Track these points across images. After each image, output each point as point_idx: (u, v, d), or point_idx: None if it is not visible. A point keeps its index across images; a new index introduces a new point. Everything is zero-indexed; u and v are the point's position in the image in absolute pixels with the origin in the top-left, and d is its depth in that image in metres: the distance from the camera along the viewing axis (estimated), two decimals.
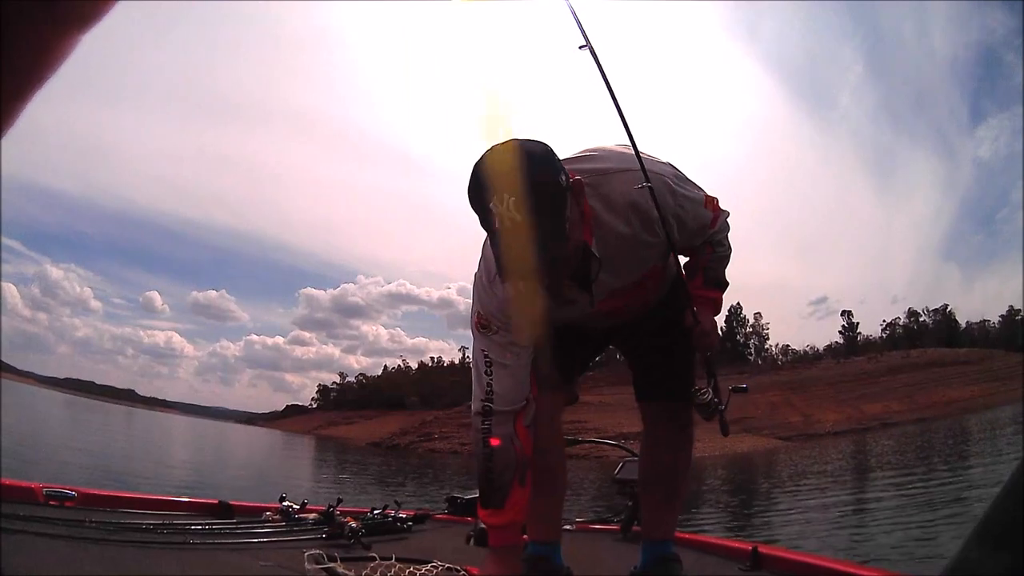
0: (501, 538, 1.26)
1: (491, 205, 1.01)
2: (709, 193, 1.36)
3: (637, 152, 1.19)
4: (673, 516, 1.53)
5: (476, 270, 1.31)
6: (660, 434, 1.52)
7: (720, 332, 1.48)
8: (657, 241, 1.25)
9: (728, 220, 1.39)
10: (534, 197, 1.00)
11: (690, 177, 1.33)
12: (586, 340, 1.54)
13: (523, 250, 1.02)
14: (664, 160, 1.29)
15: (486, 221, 1.04)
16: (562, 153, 1.19)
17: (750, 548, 1.76)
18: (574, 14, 1.06)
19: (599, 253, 1.19)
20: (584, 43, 1.07)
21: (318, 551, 1.33)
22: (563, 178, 1.07)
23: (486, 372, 1.25)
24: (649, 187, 1.17)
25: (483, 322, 1.26)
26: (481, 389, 1.25)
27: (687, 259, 1.45)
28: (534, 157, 1.05)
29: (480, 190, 1.03)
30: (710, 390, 1.42)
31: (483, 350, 1.26)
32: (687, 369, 1.49)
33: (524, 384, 1.26)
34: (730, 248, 1.42)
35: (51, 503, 1.63)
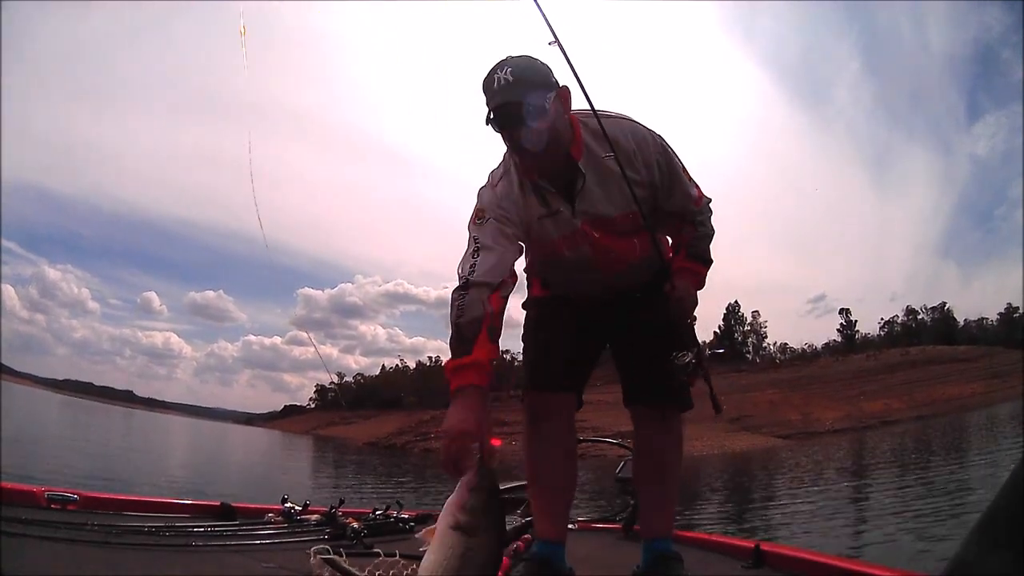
0: (464, 378, 1.18)
1: (494, 73, 1.31)
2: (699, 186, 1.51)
3: (596, 114, 1.39)
4: (670, 514, 1.56)
5: (482, 184, 1.48)
6: (650, 436, 1.57)
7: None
8: (639, 179, 1.40)
9: (711, 206, 1.52)
10: (524, 71, 1.31)
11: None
12: (590, 344, 1.59)
13: (508, 98, 1.29)
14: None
15: (488, 87, 1.31)
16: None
17: (752, 546, 1.76)
18: (541, 11, 1.35)
19: (585, 173, 1.38)
20: (553, 39, 1.35)
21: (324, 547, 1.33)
22: (553, 79, 1.35)
23: (473, 255, 1.35)
24: (613, 156, 1.38)
25: (479, 214, 1.41)
26: (465, 269, 1.33)
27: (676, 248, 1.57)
28: (533, 58, 1.35)
29: (490, 71, 1.32)
30: (690, 354, 1.45)
31: (475, 237, 1.38)
32: (675, 372, 1.50)
33: (506, 266, 1.36)
34: (712, 231, 1.54)
35: (53, 506, 1.63)
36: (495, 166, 1.48)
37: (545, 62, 1.37)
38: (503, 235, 1.38)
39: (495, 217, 1.39)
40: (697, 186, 1.50)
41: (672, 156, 1.45)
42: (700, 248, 1.52)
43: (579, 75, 1.37)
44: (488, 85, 1.32)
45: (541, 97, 1.30)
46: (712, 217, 1.53)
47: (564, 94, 1.36)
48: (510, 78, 1.29)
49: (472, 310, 1.26)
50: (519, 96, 1.28)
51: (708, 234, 1.52)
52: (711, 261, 1.53)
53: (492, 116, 1.31)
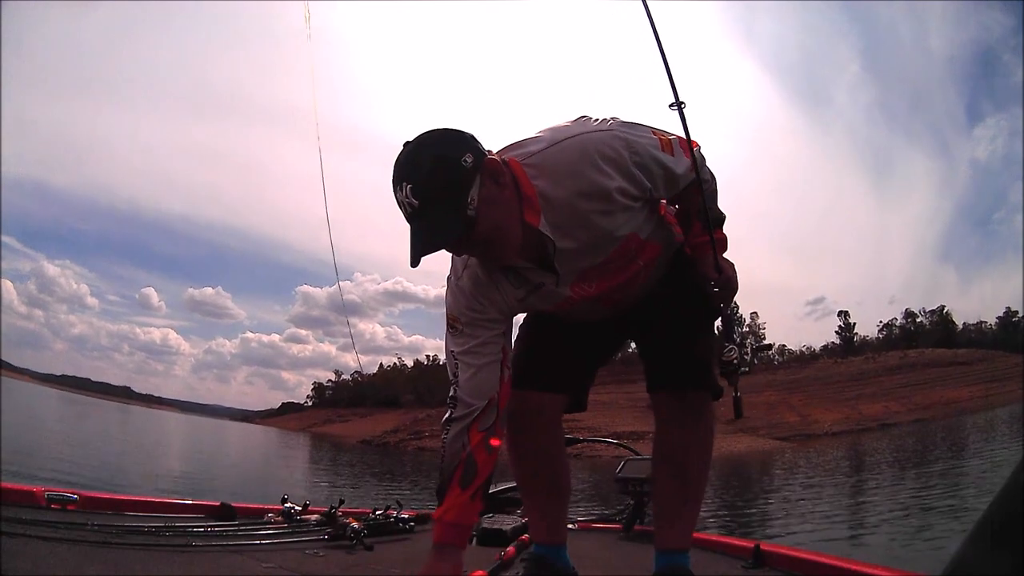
0: (438, 534, 1.22)
1: (396, 195, 1.08)
2: (669, 135, 1.25)
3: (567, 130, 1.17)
4: (689, 523, 1.39)
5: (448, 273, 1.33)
6: (675, 428, 1.36)
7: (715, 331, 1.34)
8: (611, 207, 1.18)
9: (701, 152, 1.28)
10: (426, 181, 1.06)
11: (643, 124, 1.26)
12: (597, 339, 1.47)
13: (422, 232, 1.07)
14: (608, 117, 1.22)
15: (400, 211, 1.09)
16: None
17: (752, 545, 1.76)
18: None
19: (551, 232, 1.16)
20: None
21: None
22: (466, 159, 1.08)
23: (453, 374, 1.26)
24: (581, 193, 1.16)
25: (451, 324, 1.28)
26: (449, 393, 1.26)
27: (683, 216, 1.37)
28: (431, 144, 1.10)
29: (393, 184, 1.10)
30: (736, 347, 1.29)
31: (452, 351, 1.28)
32: (705, 354, 1.37)
33: (487, 383, 1.24)
34: (715, 179, 1.32)
35: (53, 507, 1.62)
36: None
37: (454, 133, 1.12)
38: (481, 341, 1.24)
39: (468, 322, 1.25)
40: (682, 151, 1.24)
41: (645, 147, 1.19)
42: (713, 211, 1.28)
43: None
44: (398, 203, 1.09)
45: (461, 204, 1.06)
46: (706, 162, 1.29)
47: (490, 167, 1.11)
48: (415, 201, 1.05)
49: (450, 453, 1.23)
50: (432, 223, 1.06)
51: (713, 188, 1.31)
52: (725, 216, 1.33)
53: (413, 250, 1.07)
